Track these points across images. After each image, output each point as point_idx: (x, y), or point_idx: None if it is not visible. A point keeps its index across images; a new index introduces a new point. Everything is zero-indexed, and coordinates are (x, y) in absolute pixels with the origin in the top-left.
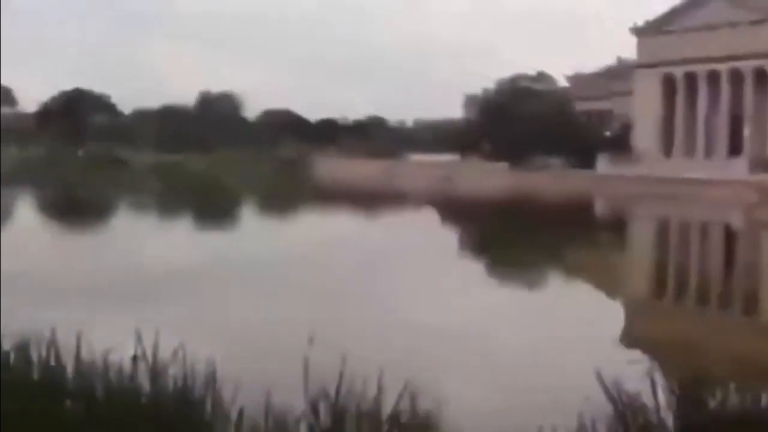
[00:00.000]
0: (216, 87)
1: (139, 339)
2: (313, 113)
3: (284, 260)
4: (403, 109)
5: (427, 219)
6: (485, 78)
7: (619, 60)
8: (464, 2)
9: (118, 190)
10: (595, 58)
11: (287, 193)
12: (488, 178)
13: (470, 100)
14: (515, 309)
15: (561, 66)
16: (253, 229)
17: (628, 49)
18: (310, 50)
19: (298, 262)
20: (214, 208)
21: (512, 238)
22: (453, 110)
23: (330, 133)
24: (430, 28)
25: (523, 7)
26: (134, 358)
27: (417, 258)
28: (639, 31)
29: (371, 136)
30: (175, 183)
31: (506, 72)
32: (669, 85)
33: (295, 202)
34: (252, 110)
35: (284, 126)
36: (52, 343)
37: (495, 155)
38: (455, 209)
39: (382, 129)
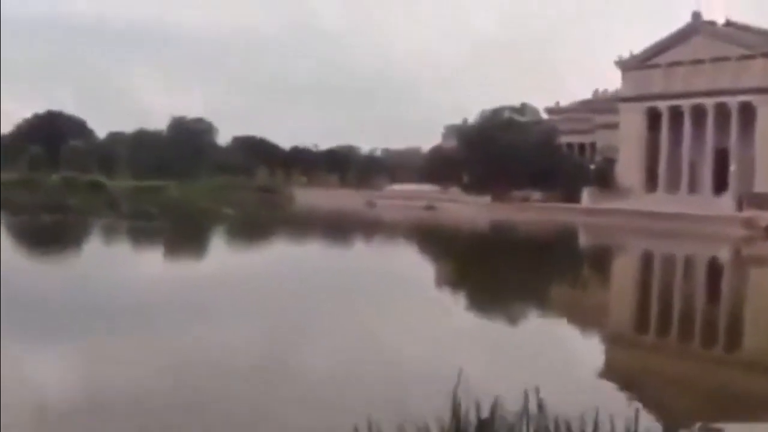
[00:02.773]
0: (187, 112)
1: None
2: (283, 140)
3: (256, 288)
4: (375, 138)
5: (406, 250)
6: (458, 109)
7: (596, 93)
8: (440, 31)
9: (94, 215)
10: (573, 91)
11: (265, 222)
12: (470, 209)
13: (450, 131)
14: (491, 343)
15: (538, 98)
16: (230, 258)
17: (607, 81)
18: (280, 77)
19: (272, 291)
20: (191, 235)
21: (492, 271)
22: (424, 140)
23: (302, 161)
24: (403, 58)
25: (499, 37)
26: None
27: (392, 289)
28: (624, 65)
29: (344, 165)
30: (153, 208)
31: (483, 103)
32: (654, 119)
33: (273, 231)
34: (223, 136)
35: (256, 153)
36: None
37: (476, 187)
38: (436, 240)
39: (354, 157)
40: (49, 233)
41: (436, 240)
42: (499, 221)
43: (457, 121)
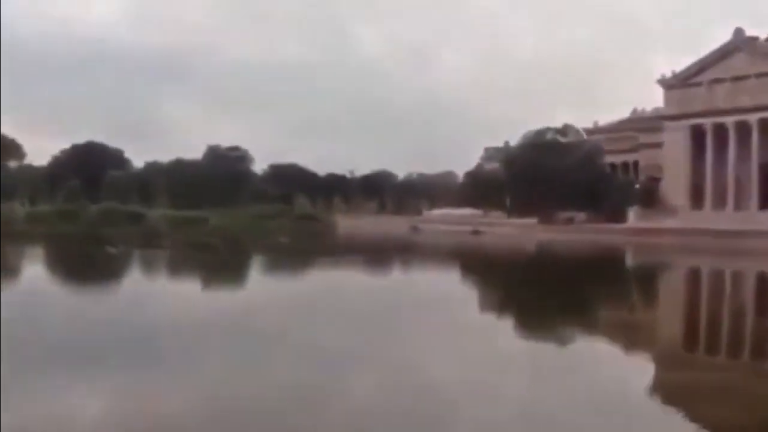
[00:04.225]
0: (222, 141)
1: None
2: (318, 168)
3: (307, 317)
4: (410, 163)
5: (453, 275)
6: (494, 131)
7: (635, 112)
8: (474, 55)
9: (135, 246)
10: (610, 111)
11: (319, 249)
12: (516, 232)
13: (491, 153)
14: (541, 366)
15: (576, 119)
16: (280, 287)
17: (644, 100)
18: (313, 105)
19: (321, 320)
20: (237, 264)
21: (542, 294)
22: (458, 164)
23: (338, 188)
24: (437, 81)
25: (530, 57)
26: None
27: (441, 314)
28: (666, 83)
29: (380, 191)
30: (196, 239)
31: (520, 125)
32: (698, 136)
33: (318, 258)
34: (258, 164)
35: (292, 180)
36: None
37: (520, 209)
38: (489, 265)
39: (389, 183)
40: (91, 265)
41: (490, 264)
42: (548, 243)
43: (494, 144)
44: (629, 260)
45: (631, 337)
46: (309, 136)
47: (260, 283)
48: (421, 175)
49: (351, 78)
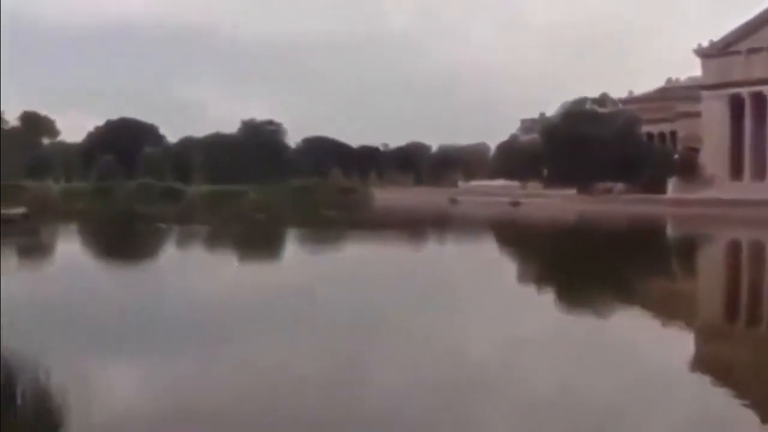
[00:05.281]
0: (255, 114)
1: None
2: (352, 140)
3: (356, 289)
4: (440, 135)
5: (495, 246)
6: (524, 102)
7: (669, 81)
8: (503, 26)
9: (179, 222)
10: (644, 81)
11: (358, 223)
12: (556, 203)
13: (528, 124)
14: (582, 339)
15: (610, 88)
16: (345, 259)
17: (678, 70)
18: (343, 79)
19: (369, 292)
20: (277, 238)
21: (583, 265)
22: (488, 136)
23: (372, 160)
24: (465, 53)
25: (560, 27)
26: None
27: (486, 286)
28: (703, 53)
29: (414, 163)
30: (236, 213)
31: (556, 96)
32: (736, 106)
33: (367, 231)
34: (292, 138)
35: (327, 153)
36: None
37: (558, 180)
38: (528, 237)
39: (423, 155)
40: (131, 242)
41: (535, 236)
42: (589, 214)
43: (525, 115)
44: (670, 232)
45: (674, 309)
46: (340, 110)
47: (322, 257)
48: (453, 147)
49: (381, 52)
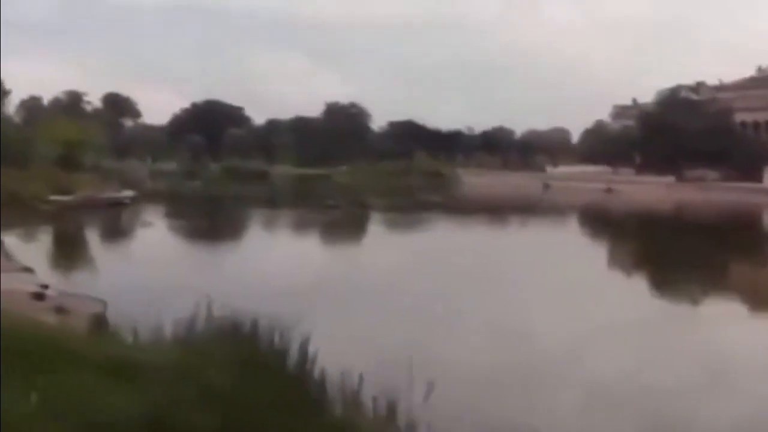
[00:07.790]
0: (338, 98)
1: None
2: (437, 124)
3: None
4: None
5: (609, 234)
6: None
7: (759, 69)
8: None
9: (262, 204)
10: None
11: (457, 207)
12: (650, 190)
13: (621, 110)
14: (678, 327)
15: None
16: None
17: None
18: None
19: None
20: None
21: (683, 252)
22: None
23: (457, 144)
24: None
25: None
26: None
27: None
28: None
29: (499, 147)
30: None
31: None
32: None
33: (467, 216)
34: (376, 122)
35: (412, 137)
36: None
37: (651, 167)
38: (632, 225)
39: (508, 139)
40: (217, 225)
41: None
42: (687, 203)
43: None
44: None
45: None
46: (424, 94)
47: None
48: (535, 132)
49: (461, 37)
